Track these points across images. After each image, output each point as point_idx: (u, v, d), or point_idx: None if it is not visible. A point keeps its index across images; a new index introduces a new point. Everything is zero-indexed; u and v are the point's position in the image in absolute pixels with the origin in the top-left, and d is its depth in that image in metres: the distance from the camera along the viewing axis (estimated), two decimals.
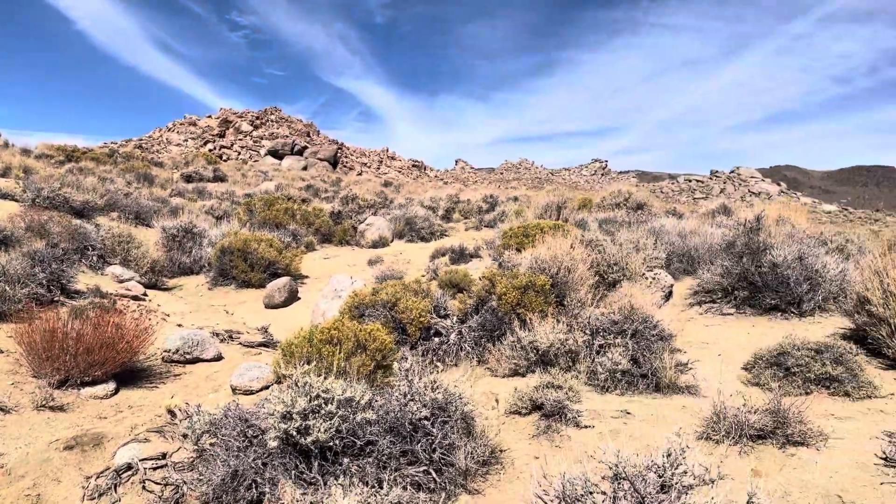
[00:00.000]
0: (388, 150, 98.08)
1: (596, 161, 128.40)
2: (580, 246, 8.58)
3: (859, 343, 6.71)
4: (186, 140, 75.92)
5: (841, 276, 8.58)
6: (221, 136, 78.44)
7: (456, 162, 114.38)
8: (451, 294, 8.98)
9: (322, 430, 4.36)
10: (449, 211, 22.57)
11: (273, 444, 4.48)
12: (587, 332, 6.61)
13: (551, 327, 6.81)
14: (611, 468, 2.83)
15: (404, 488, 4.39)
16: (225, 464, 4.44)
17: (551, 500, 2.87)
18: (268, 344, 8.75)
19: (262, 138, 78.50)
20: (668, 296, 9.50)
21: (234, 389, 6.83)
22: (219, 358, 7.85)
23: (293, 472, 4.42)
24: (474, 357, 7.44)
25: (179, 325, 8.91)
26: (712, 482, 2.82)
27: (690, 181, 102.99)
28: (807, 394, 5.78)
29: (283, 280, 10.93)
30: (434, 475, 4.55)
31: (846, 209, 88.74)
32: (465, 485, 4.57)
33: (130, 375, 6.83)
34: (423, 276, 12.02)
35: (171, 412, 5.98)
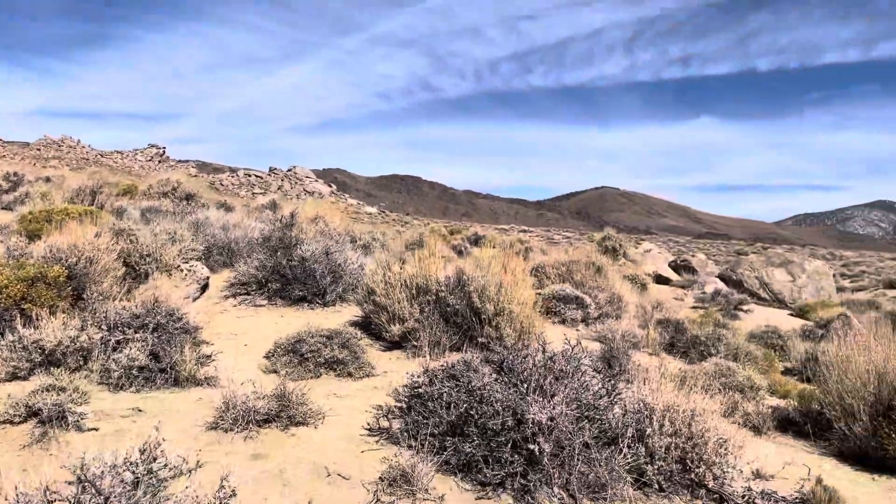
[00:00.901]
0: None
1: (153, 146, 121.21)
2: (109, 235, 7.96)
3: (366, 329, 7.62)
4: None
5: (359, 270, 9.63)
6: None
7: None
8: None
9: None
10: None
11: None
12: (104, 327, 6.16)
13: (62, 323, 6.16)
14: (73, 471, 2.65)
15: None
16: None
17: None
18: None
19: None
20: (205, 288, 9.45)
21: None
22: None
23: None
24: None
25: None
26: (190, 472, 2.85)
27: (250, 176, 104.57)
28: (317, 377, 6.33)
29: None
30: None
31: (384, 211, 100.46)
32: None
33: None
34: None
35: None
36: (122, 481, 2.66)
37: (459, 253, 22.38)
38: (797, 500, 4.20)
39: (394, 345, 7.32)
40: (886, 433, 4.86)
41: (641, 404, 4.49)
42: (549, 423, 4.08)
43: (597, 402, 4.43)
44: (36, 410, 5.06)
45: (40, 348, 5.98)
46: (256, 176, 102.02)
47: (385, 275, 7.55)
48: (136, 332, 6.12)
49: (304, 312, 8.85)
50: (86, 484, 2.57)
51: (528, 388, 4.41)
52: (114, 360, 5.79)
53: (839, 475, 5.02)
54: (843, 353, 5.53)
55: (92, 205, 12.90)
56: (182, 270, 9.06)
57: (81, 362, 5.91)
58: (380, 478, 4.19)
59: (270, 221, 11.72)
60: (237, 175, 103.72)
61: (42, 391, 5.14)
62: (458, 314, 7.15)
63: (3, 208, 16.31)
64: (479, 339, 7.01)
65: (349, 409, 5.50)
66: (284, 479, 4.25)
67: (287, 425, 4.93)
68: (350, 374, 6.34)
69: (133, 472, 2.66)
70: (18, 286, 6.54)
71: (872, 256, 62.09)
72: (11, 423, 5.11)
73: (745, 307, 17.74)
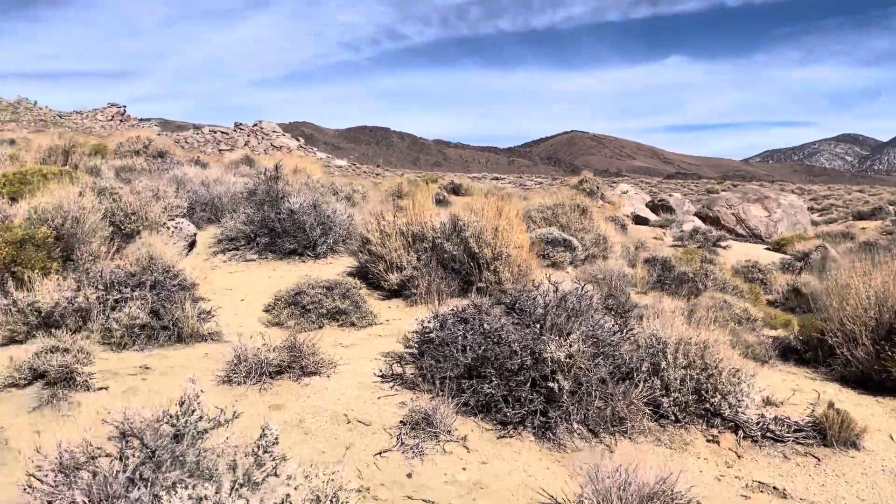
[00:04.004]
0: None
1: (113, 105, 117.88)
2: (91, 194, 7.76)
3: (363, 279, 7.58)
4: None
5: (349, 221, 9.55)
6: None
7: None
8: None
9: None
10: None
11: None
12: (100, 287, 6.04)
13: (56, 285, 6.04)
14: (118, 427, 2.62)
15: None
16: None
17: (45, 475, 2.52)
18: None
19: None
20: (192, 245, 9.30)
21: None
22: None
23: None
24: None
25: None
26: (227, 423, 2.83)
27: (216, 132, 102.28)
28: (320, 328, 6.31)
29: None
30: None
31: (354, 164, 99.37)
32: None
33: None
34: None
35: None
36: (162, 435, 2.63)
37: (439, 202, 22.31)
38: (810, 425, 4.33)
39: (392, 293, 7.31)
40: (889, 355, 5.00)
41: (654, 339, 4.55)
42: (567, 360, 4.12)
43: (610, 338, 4.47)
44: (42, 372, 4.99)
45: (37, 310, 5.87)
46: (222, 132, 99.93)
47: (380, 224, 7.49)
48: (133, 291, 6.03)
49: (296, 265, 8.78)
50: (129, 437, 2.54)
51: (541, 327, 4.44)
52: (114, 319, 5.70)
53: (844, 399, 5.18)
54: (843, 281, 5.64)
55: (65, 165, 12.53)
56: (168, 228, 8.89)
57: (81, 323, 5.81)
58: (401, 422, 4.22)
59: (254, 175, 11.51)
60: (202, 132, 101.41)
61: (46, 353, 5.05)
62: (456, 260, 7.14)
63: None
64: (478, 285, 7.02)
65: (357, 358, 5.50)
66: (304, 428, 4.26)
67: (299, 376, 4.92)
68: (353, 324, 6.33)
69: (173, 426, 2.63)
70: (7, 249, 6.38)
71: (840, 189, 63.17)
72: (17, 385, 5.03)
73: (723, 243, 18.01)
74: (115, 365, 5.26)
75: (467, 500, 3.63)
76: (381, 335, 6.17)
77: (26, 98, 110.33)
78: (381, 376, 4.98)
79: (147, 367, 5.17)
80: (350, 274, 8.04)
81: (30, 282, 6.16)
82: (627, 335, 4.63)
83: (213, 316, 6.33)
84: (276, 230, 9.02)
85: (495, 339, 4.38)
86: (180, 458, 2.55)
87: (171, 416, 2.63)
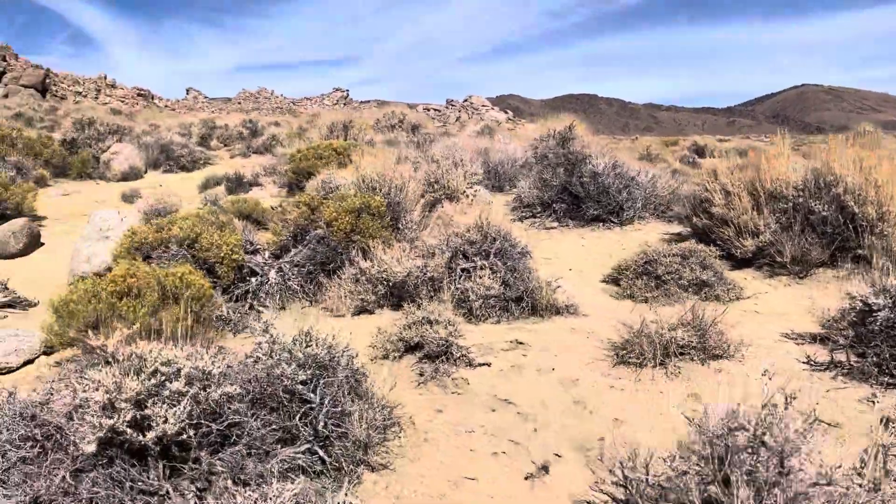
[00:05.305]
0: (106, 78, 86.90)
1: (338, 90, 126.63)
2: (406, 164, 7.63)
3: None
4: None
5: (652, 183, 8.67)
6: None
7: (187, 91, 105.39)
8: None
9: (169, 419, 3.01)
10: (205, 138, 20.10)
11: (90, 448, 3.03)
12: (445, 254, 5.74)
13: (400, 253, 5.85)
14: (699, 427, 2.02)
15: (284, 478, 3.26)
16: (18, 489, 2.91)
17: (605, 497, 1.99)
18: (14, 304, 6.66)
19: None
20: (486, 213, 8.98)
21: None
22: None
23: (127, 484, 3.04)
24: (303, 296, 6.25)
25: None
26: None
27: (429, 110, 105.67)
28: (678, 302, 5.53)
29: (20, 222, 8.53)
30: (322, 453, 3.45)
31: None
32: (367, 460, 3.53)
33: None
34: (201, 208, 10.26)
35: None
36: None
37: (690, 163, 20.63)
38: None
39: (742, 262, 6.34)
40: None
41: None
42: None
43: None
44: (415, 345, 4.74)
45: (385, 280, 5.71)
46: (435, 110, 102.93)
47: (720, 181, 6.53)
48: (480, 259, 5.66)
49: (602, 232, 8.09)
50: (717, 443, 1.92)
51: None
52: (470, 289, 5.35)
53: None
54: None
55: (346, 139, 12.95)
56: (467, 196, 8.62)
57: (432, 293, 5.55)
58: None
59: (533, 140, 11.01)
60: (416, 110, 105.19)
61: (418, 324, 4.79)
62: (826, 222, 5.99)
63: (254, 152, 17.13)
64: (858, 252, 5.83)
65: (755, 338, 4.64)
66: None
67: (704, 359, 4.19)
68: (717, 298, 5.48)
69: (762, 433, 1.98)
70: (347, 218, 6.33)
71: None
72: (387, 357, 4.84)
73: None
74: (480, 338, 4.89)
75: None
76: (759, 311, 5.25)
77: (265, 88, 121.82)
78: (809, 363, 4.09)
79: (520, 343, 4.72)
80: (671, 241, 7.19)
81: (372, 251, 6.05)
82: None
83: (558, 286, 5.80)
84: (576, 195, 8.39)
85: None
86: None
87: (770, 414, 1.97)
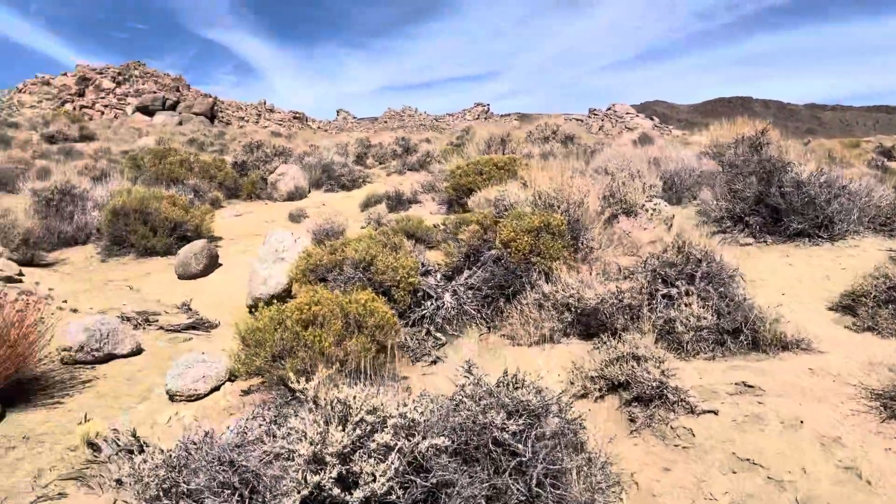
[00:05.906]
0: (265, 103, 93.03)
1: (478, 105, 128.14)
2: (583, 177, 7.07)
3: None
4: (41, 101, 68.09)
5: (866, 192, 7.54)
6: (80, 94, 70.97)
7: (338, 112, 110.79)
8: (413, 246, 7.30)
9: (378, 477, 2.64)
10: (361, 156, 20.51)
11: None
12: (643, 278, 5.11)
13: (588, 276, 5.29)
14: None
15: None
16: None
17: None
18: (198, 325, 6.76)
19: (126, 95, 71.69)
20: (669, 229, 8.19)
21: (171, 396, 4.92)
22: (138, 351, 5.84)
23: None
24: (480, 322, 5.85)
25: (75, 311, 6.73)
26: None
27: (570, 120, 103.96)
28: None
29: (200, 243, 8.81)
30: None
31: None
32: None
33: (20, 390, 4.77)
34: (365, 227, 10.21)
35: (91, 445, 4.04)
36: None
37: (878, 167, 18.42)
38: None
39: None
40: None
41: None
42: None
43: None
44: (620, 383, 4.16)
45: (571, 307, 5.17)
46: (577, 119, 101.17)
47: None
48: (683, 283, 4.98)
49: (810, 249, 7.07)
50: None
51: None
52: (677, 320, 4.69)
53: None
54: None
55: (503, 153, 12.57)
56: (647, 210, 7.90)
57: (629, 322, 4.94)
58: None
59: (707, 147, 10.06)
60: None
61: (622, 360, 4.21)
62: None
63: (409, 169, 17.19)
64: None
65: None
66: None
67: None
68: None
69: None
70: (525, 238, 5.86)
71: None
72: (586, 397, 4.29)
73: None
74: (696, 379, 4.21)
75: None
76: None
77: (409, 106, 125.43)
78: None
79: (748, 385, 4.01)
80: None
81: (556, 273, 5.54)
82: None
83: (780, 316, 5.00)
84: (775, 207, 7.43)
85: None
86: None
87: None
